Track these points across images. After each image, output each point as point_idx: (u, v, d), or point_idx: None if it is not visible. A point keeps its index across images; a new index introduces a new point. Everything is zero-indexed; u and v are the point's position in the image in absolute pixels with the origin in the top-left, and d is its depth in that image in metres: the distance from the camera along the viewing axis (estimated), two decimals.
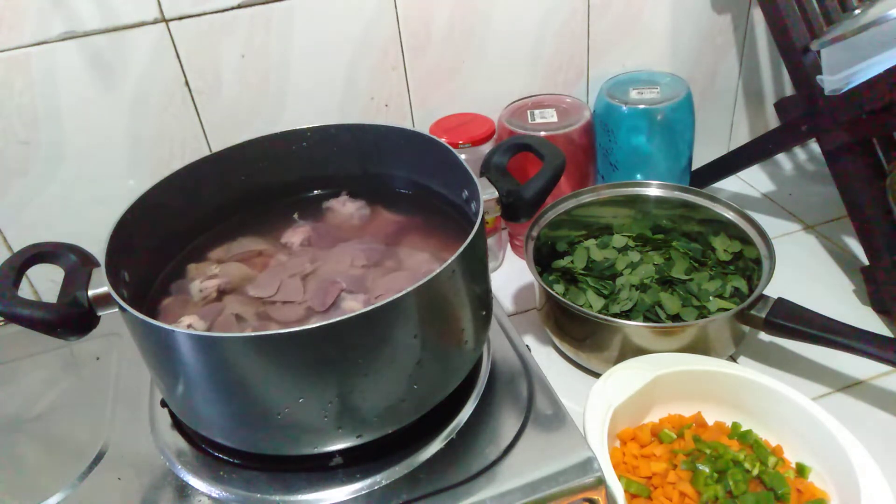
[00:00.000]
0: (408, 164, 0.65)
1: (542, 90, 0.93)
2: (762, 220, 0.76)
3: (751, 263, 0.75)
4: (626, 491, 0.57)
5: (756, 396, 0.63)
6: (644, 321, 0.73)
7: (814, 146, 1.11)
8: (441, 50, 0.85)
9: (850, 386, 0.71)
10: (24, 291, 0.78)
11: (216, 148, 0.74)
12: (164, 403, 0.59)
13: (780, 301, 0.68)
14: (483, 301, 0.55)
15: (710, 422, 0.65)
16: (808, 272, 0.86)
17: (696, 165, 0.96)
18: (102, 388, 0.63)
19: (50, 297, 0.65)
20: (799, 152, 1.11)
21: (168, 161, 0.80)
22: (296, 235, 0.63)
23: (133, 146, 0.78)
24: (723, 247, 0.79)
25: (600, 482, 0.50)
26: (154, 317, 0.47)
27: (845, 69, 0.71)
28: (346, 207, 0.66)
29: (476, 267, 0.53)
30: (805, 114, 0.79)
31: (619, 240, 0.83)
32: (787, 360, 0.74)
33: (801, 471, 0.59)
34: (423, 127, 0.88)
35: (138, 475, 0.54)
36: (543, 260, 0.81)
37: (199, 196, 0.63)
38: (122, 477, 0.54)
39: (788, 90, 1.05)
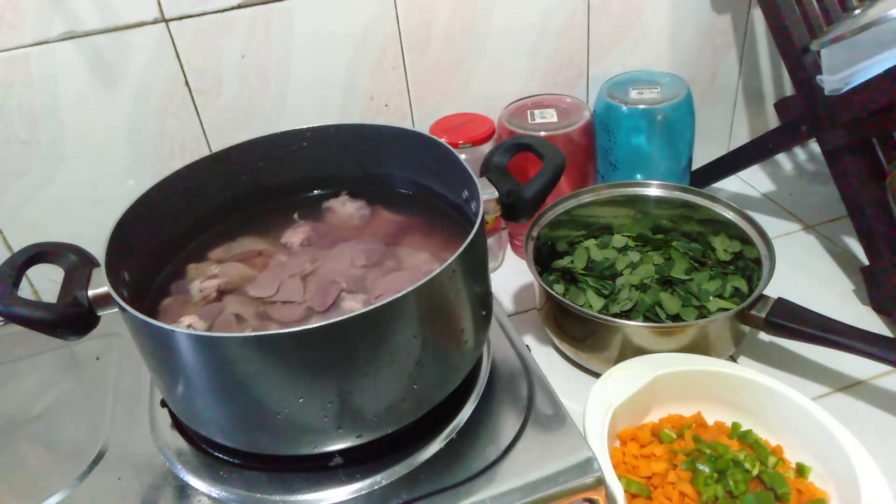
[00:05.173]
0: (408, 164, 0.65)
1: (542, 90, 0.93)
2: (762, 220, 0.76)
3: (751, 263, 0.75)
4: (626, 491, 0.57)
5: (756, 396, 0.63)
6: (644, 321, 0.73)
7: (814, 146, 1.11)
8: (441, 50, 0.85)
9: (850, 386, 0.71)
10: (24, 291, 0.78)
11: (216, 148, 0.74)
12: (164, 403, 0.59)
13: (780, 301, 0.68)
14: (483, 301, 0.55)
15: (710, 422, 0.65)
16: (808, 272, 0.86)
17: (696, 165, 0.96)
18: (102, 388, 0.63)
19: (50, 297, 0.65)
20: (799, 152, 1.11)
21: (168, 161, 0.80)
22: (296, 235, 0.63)
23: (133, 146, 0.78)
24: (723, 247, 0.79)
25: (600, 482, 0.50)
26: (154, 317, 0.47)
27: (845, 69, 0.71)
28: (346, 207, 0.66)
29: (476, 267, 0.53)
30: (805, 114, 0.79)
31: (619, 240, 0.83)
32: (787, 360, 0.74)
33: (801, 471, 0.59)
34: (423, 127, 0.88)
35: (138, 475, 0.54)
36: (543, 260, 0.81)
37: (198, 196, 0.63)
38: (122, 477, 0.54)
39: (788, 90, 1.05)
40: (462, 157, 0.58)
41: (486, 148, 0.82)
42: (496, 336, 0.63)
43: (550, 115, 0.87)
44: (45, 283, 0.83)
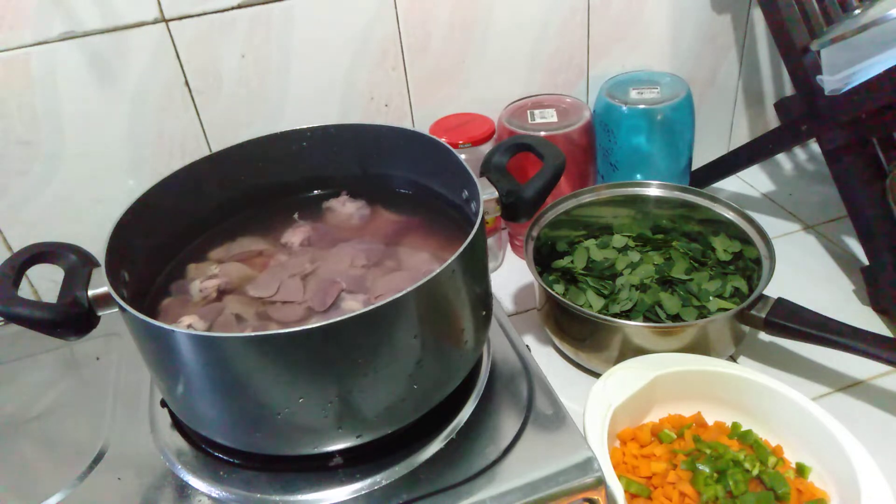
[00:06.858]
0: (408, 164, 0.65)
1: (542, 90, 0.93)
2: (762, 220, 0.76)
3: (751, 263, 0.75)
4: (626, 491, 0.57)
5: (756, 396, 0.63)
6: (644, 321, 0.73)
7: (814, 146, 1.11)
8: (441, 50, 0.85)
9: (850, 386, 0.71)
10: (24, 291, 0.78)
11: (216, 148, 0.74)
12: (164, 403, 0.59)
13: (780, 301, 0.68)
14: (483, 301, 0.55)
15: (710, 422, 0.65)
16: (808, 272, 0.86)
17: (696, 165, 0.96)
18: (102, 388, 0.63)
19: (50, 297, 0.65)
20: (799, 152, 1.11)
21: (168, 161, 0.80)
22: (296, 235, 0.63)
23: (133, 146, 0.78)
24: (723, 247, 0.79)
25: (600, 482, 0.50)
26: (154, 317, 0.47)
27: (845, 69, 0.71)
28: (346, 207, 0.66)
29: (476, 267, 0.53)
30: (805, 114, 0.79)
31: (619, 240, 0.83)
32: (787, 360, 0.74)
33: (801, 471, 0.59)
34: (423, 127, 0.88)
35: (138, 475, 0.54)
36: (543, 260, 0.81)
37: (198, 196, 0.63)
38: (122, 477, 0.54)
39: (788, 90, 1.05)
40: (462, 157, 0.58)
41: (486, 148, 0.82)
42: (496, 336, 0.63)
43: (550, 115, 0.87)
44: (45, 283, 0.83)
